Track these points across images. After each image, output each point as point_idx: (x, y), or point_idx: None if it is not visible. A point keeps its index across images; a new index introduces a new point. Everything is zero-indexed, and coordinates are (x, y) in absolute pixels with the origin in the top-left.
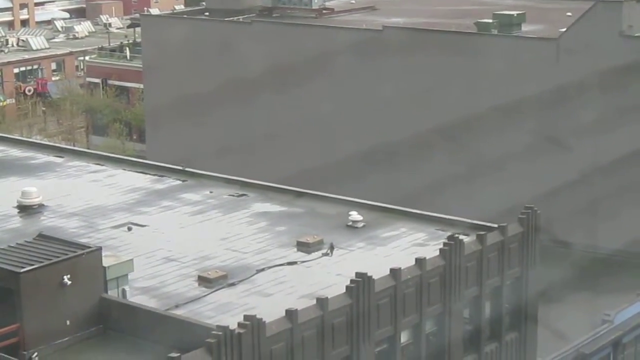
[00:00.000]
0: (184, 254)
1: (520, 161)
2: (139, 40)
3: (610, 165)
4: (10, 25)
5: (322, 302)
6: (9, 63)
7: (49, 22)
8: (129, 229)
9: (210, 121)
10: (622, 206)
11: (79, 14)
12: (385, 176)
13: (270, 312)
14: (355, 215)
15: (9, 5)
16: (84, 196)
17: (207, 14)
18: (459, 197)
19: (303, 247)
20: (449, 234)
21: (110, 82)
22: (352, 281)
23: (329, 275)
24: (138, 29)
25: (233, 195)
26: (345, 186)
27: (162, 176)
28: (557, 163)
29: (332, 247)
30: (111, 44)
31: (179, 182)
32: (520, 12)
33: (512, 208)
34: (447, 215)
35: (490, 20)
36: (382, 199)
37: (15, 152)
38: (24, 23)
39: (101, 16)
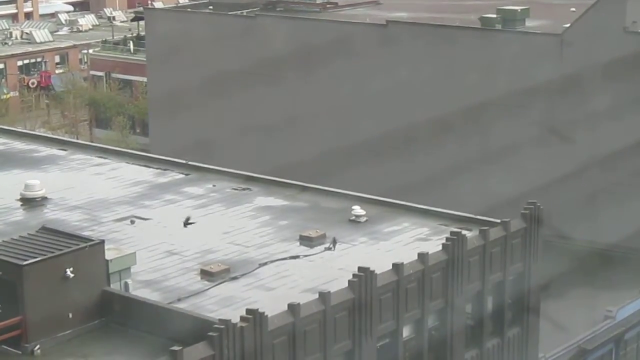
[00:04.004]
0: (187, 248)
1: (523, 153)
2: (142, 33)
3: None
4: (14, 17)
5: (324, 296)
6: (12, 56)
7: (52, 14)
8: (132, 222)
9: (213, 113)
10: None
11: (82, 7)
12: (393, 164)
13: (273, 306)
14: (358, 209)
15: None
16: (87, 189)
17: (211, 7)
18: (468, 185)
19: (306, 241)
20: (451, 229)
21: (113, 75)
22: (354, 276)
23: (331, 270)
24: (142, 23)
25: (236, 189)
26: (352, 175)
27: (165, 170)
28: (561, 155)
29: (334, 242)
30: (115, 37)
31: (182, 175)
32: (524, 7)
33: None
34: (452, 204)
35: (494, 15)
36: (388, 187)
37: (18, 145)
38: (28, 16)
39: (105, 9)
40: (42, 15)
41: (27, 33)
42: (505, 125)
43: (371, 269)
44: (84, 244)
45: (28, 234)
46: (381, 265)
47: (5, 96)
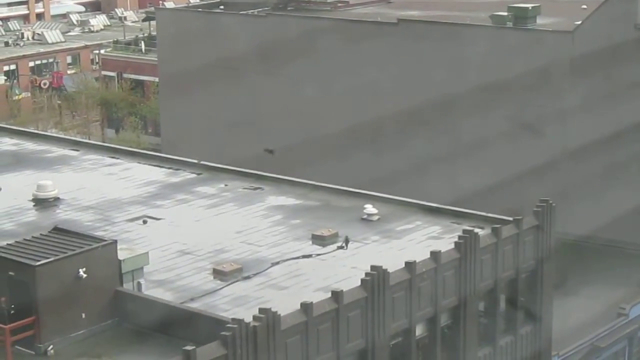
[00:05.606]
0: (199, 247)
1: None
2: (154, 33)
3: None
4: (25, 18)
5: (337, 295)
6: (24, 57)
7: (64, 15)
8: (144, 222)
9: (226, 113)
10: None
11: (94, 7)
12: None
13: (285, 305)
14: (370, 208)
15: None
16: (99, 189)
17: (222, 7)
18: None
19: (318, 240)
20: (464, 227)
21: (125, 75)
22: (367, 274)
23: (344, 269)
24: (153, 23)
25: (248, 189)
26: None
27: (177, 169)
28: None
29: (347, 240)
30: (126, 37)
31: (194, 175)
32: (536, 4)
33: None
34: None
35: (505, 13)
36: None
37: (30, 146)
38: (40, 16)
39: (116, 9)
40: (53, 16)
41: (38, 34)
42: (510, 121)
43: (384, 267)
44: (97, 244)
45: (41, 234)
46: (394, 263)
47: (17, 97)
